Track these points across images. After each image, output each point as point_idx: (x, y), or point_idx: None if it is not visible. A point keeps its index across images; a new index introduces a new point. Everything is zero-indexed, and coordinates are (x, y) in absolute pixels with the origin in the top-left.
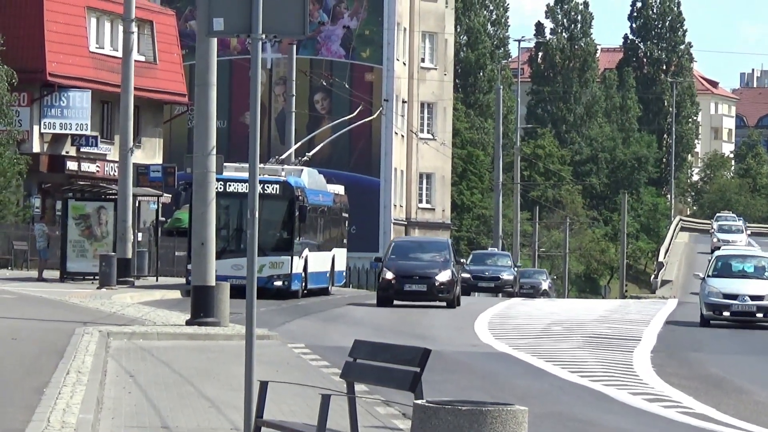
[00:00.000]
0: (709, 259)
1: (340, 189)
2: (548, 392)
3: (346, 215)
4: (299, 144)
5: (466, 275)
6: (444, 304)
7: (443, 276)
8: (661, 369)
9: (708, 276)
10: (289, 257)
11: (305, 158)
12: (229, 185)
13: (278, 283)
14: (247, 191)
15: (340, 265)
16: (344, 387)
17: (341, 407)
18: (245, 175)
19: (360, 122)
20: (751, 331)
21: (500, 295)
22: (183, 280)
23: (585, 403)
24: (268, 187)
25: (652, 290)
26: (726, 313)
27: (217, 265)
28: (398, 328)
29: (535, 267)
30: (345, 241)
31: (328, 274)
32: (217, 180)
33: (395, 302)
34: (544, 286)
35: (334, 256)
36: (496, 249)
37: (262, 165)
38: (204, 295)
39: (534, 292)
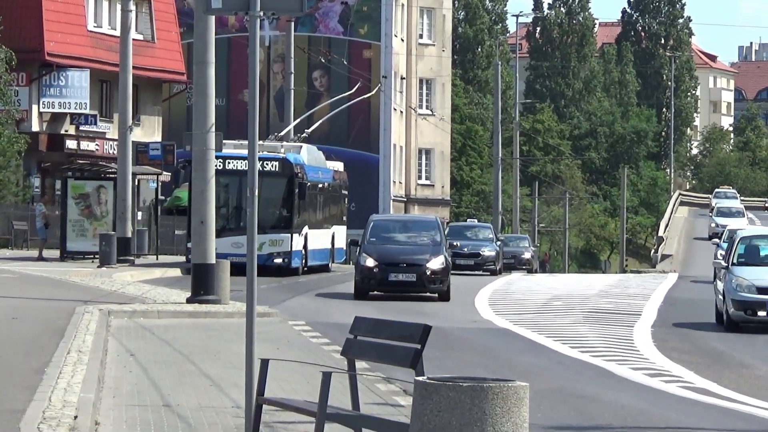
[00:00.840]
0: (724, 242)
1: (339, 166)
2: (549, 368)
3: (346, 192)
4: (298, 121)
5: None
6: (435, 296)
7: (435, 263)
8: (661, 344)
9: (733, 264)
10: (289, 235)
11: (304, 135)
12: (229, 162)
13: (278, 260)
14: (247, 168)
15: (341, 242)
16: (345, 364)
17: (342, 384)
18: (244, 152)
19: (359, 99)
20: None
21: (481, 272)
22: (183, 259)
23: (586, 379)
24: (267, 164)
25: (652, 264)
26: (762, 313)
27: (216, 243)
28: (398, 305)
29: (534, 241)
30: (345, 218)
31: (328, 251)
32: (216, 158)
33: (375, 293)
34: (527, 255)
35: (333, 233)
36: (475, 221)
37: (261, 142)
38: (204, 272)
39: (515, 263)
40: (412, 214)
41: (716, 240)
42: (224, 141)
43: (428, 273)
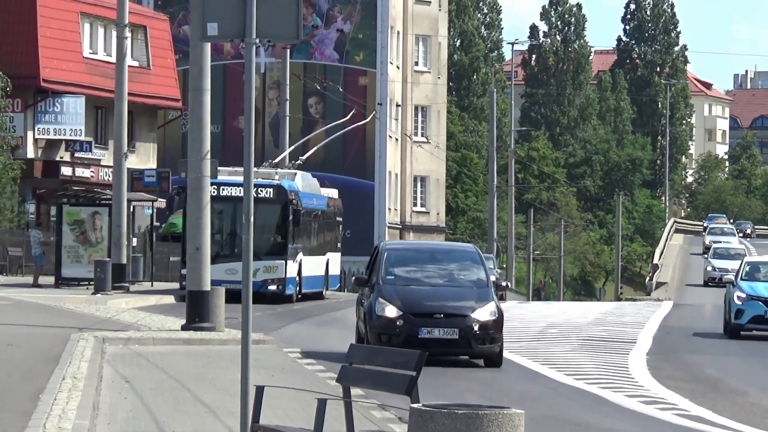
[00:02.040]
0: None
1: (333, 193)
2: (544, 395)
3: (340, 219)
4: (293, 147)
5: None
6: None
7: (483, 312)
8: (656, 371)
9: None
10: (283, 261)
11: (299, 162)
12: (223, 189)
13: (272, 287)
14: (241, 195)
15: (335, 269)
16: (340, 391)
17: (337, 411)
18: (238, 178)
19: (353, 126)
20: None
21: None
22: (177, 285)
23: (581, 406)
24: (261, 190)
25: (647, 292)
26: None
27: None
28: None
29: (530, 272)
30: (339, 245)
31: (322, 279)
32: (211, 184)
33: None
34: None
35: (328, 260)
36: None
37: (255, 169)
38: (199, 299)
39: None
40: (438, 242)
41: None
42: (219, 168)
43: (476, 328)
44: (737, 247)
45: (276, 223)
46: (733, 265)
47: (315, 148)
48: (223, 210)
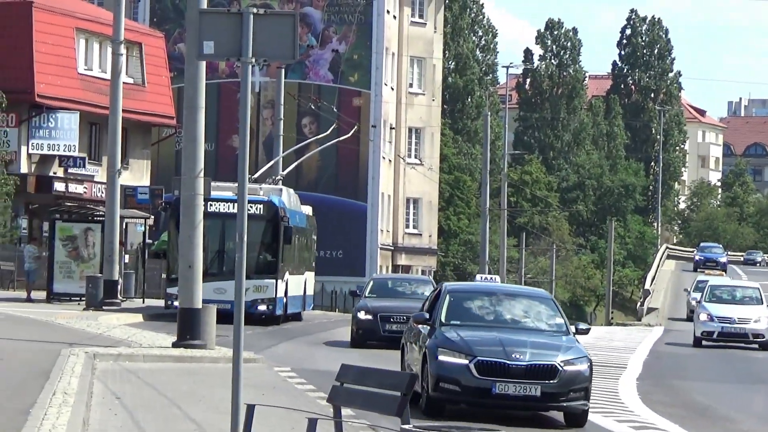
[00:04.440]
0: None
1: (308, 210)
2: (534, 418)
3: (315, 237)
4: (272, 162)
5: (367, 316)
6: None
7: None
8: (646, 396)
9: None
10: (274, 281)
11: (279, 178)
12: (211, 205)
13: (262, 307)
14: (231, 211)
15: (310, 289)
16: (331, 411)
17: (327, 431)
18: (225, 193)
19: (336, 140)
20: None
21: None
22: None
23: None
24: (251, 207)
25: (638, 318)
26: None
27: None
28: (383, 353)
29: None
30: (314, 264)
31: (302, 298)
32: (208, 198)
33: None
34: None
35: (306, 279)
36: (496, 278)
37: (234, 184)
38: (191, 317)
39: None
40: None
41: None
42: (213, 182)
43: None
44: (750, 290)
45: (266, 241)
46: (740, 312)
47: (294, 164)
48: (212, 226)
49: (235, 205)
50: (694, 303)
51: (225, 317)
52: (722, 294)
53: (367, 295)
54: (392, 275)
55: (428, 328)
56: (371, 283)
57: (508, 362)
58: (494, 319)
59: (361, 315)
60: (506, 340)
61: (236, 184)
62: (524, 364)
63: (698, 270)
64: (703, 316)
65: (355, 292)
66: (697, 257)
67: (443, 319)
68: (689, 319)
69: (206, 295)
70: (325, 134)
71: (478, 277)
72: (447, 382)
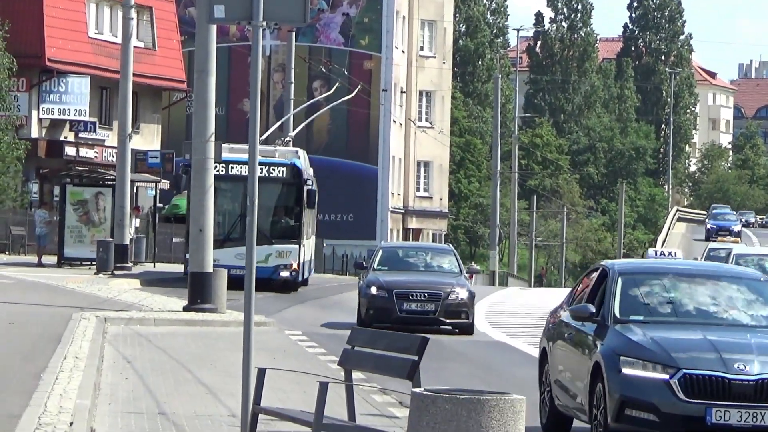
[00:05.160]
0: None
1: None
2: None
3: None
4: (280, 122)
5: (380, 293)
6: None
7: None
8: None
9: None
10: (297, 246)
11: (288, 138)
12: (232, 168)
13: (285, 273)
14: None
15: (312, 254)
16: (342, 374)
17: (338, 395)
18: (243, 155)
19: (342, 100)
20: None
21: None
22: (180, 267)
23: None
24: (274, 169)
25: None
26: None
27: (220, 254)
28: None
29: (532, 258)
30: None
31: (311, 263)
32: (219, 162)
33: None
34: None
35: (312, 243)
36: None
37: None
38: (201, 281)
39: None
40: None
41: None
42: (225, 144)
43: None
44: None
45: (289, 205)
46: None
47: (304, 124)
48: (233, 190)
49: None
50: None
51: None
52: (748, 264)
53: (376, 267)
54: (403, 243)
55: (594, 326)
56: (380, 252)
57: (728, 376)
58: (695, 313)
59: (373, 290)
60: (720, 343)
61: (262, 147)
62: (753, 379)
63: (710, 239)
64: None
65: (360, 264)
66: (709, 225)
67: (618, 314)
68: None
69: (228, 261)
70: (330, 92)
71: (650, 251)
72: (638, 409)
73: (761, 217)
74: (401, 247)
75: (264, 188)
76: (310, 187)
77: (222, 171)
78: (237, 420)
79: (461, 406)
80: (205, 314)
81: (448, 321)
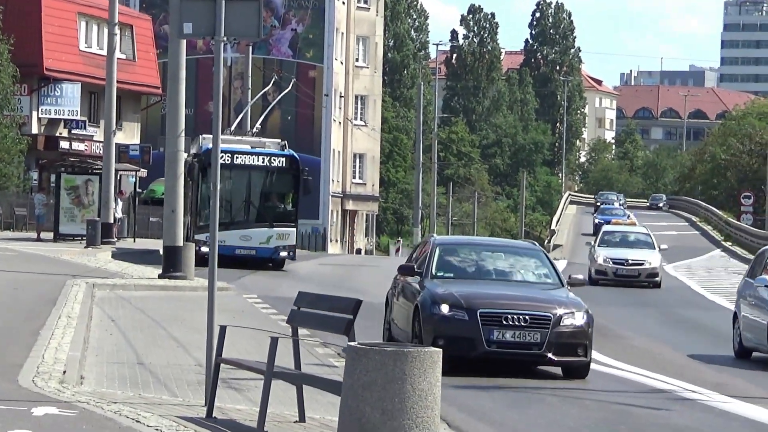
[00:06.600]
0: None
1: None
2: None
3: None
4: (243, 114)
5: (457, 313)
6: None
7: None
8: None
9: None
10: (295, 229)
11: (256, 129)
12: (237, 157)
13: (284, 253)
14: (255, 164)
15: None
16: (290, 331)
17: (287, 348)
18: (244, 147)
19: (282, 94)
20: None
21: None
22: (157, 242)
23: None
24: (275, 160)
25: None
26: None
27: (225, 236)
28: (337, 283)
29: (448, 233)
30: None
31: None
32: (223, 152)
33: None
34: None
35: None
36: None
37: (239, 138)
38: (173, 253)
39: None
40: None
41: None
42: (225, 137)
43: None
44: (617, 207)
45: (288, 192)
46: (633, 254)
47: (263, 116)
48: (237, 178)
49: (258, 157)
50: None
51: (248, 263)
52: (614, 238)
53: (435, 273)
54: (469, 238)
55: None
56: (437, 251)
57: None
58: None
59: (444, 310)
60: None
61: (250, 138)
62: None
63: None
64: (600, 259)
65: (411, 268)
66: (596, 221)
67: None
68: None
69: (233, 242)
70: (280, 96)
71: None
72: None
73: (631, 199)
74: (468, 244)
75: (266, 177)
76: (306, 176)
77: (227, 160)
78: (203, 369)
79: (388, 357)
80: (176, 281)
81: (557, 359)
